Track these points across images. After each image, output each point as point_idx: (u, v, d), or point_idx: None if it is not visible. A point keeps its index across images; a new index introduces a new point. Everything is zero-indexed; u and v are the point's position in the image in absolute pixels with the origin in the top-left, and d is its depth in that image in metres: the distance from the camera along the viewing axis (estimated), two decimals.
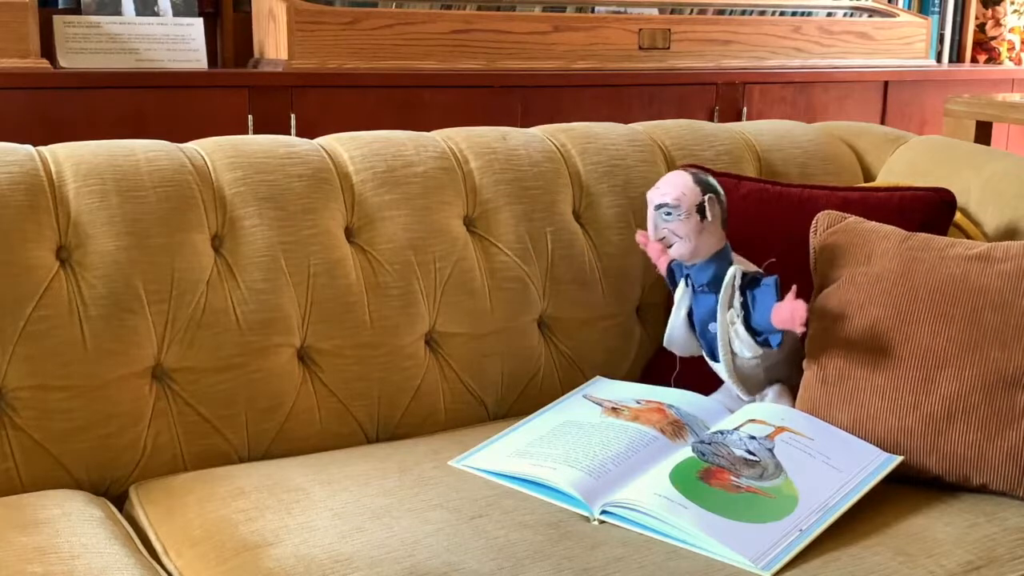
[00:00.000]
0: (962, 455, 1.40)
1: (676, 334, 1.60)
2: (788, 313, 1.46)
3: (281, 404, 1.56)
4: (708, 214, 1.52)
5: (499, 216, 1.75)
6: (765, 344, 1.52)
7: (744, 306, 1.52)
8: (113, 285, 1.48)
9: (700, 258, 1.55)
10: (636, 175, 1.85)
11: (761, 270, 1.56)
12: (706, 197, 1.52)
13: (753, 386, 1.57)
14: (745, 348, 1.52)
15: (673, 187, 1.53)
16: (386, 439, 1.63)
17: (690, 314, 1.58)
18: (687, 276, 1.57)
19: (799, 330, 1.46)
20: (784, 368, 1.57)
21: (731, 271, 1.53)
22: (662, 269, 1.64)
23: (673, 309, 1.60)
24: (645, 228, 1.58)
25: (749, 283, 1.52)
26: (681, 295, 1.59)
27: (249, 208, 1.59)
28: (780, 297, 1.48)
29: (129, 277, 1.49)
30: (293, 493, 1.36)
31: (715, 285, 1.54)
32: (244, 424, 1.54)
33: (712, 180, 1.55)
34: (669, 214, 1.52)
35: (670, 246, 1.55)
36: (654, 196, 1.54)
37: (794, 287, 1.46)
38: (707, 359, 1.60)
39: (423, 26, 2.85)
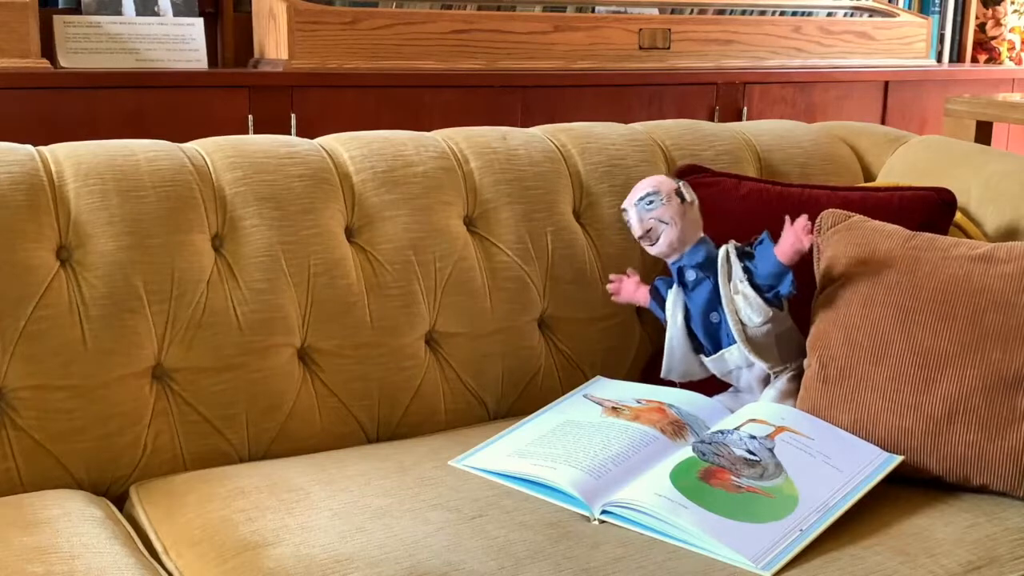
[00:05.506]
0: (962, 456, 1.40)
1: (676, 346, 1.59)
2: (792, 235, 1.49)
3: (281, 404, 1.56)
4: (687, 196, 1.57)
5: (499, 216, 1.75)
6: (775, 300, 1.52)
7: (746, 270, 1.53)
8: (113, 285, 1.48)
9: (687, 246, 1.57)
10: (636, 175, 1.85)
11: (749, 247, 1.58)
12: (680, 183, 1.59)
13: (770, 357, 1.55)
14: (755, 313, 1.52)
15: (648, 183, 1.60)
16: (386, 439, 1.63)
17: (686, 323, 1.59)
18: (678, 272, 1.58)
19: (807, 243, 1.48)
20: (793, 337, 1.57)
21: (725, 246, 1.56)
22: (644, 301, 1.65)
23: (668, 322, 1.59)
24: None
25: (744, 255, 1.55)
26: (674, 301, 1.59)
27: (249, 208, 1.59)
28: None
29: (129, 277, 1.49)
30: (293, 493, 1.36)
31: (709, 267, 1.56)
32: (244, 424, 1.54)
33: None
34: (651, 202, 1.57)
35: (655, 242, 1.57)
36: (632, 195, 1.60)
37: (787, 218, 1.50)
38: (710, 364, 1.59)
39: (423, 26, 2.85)
